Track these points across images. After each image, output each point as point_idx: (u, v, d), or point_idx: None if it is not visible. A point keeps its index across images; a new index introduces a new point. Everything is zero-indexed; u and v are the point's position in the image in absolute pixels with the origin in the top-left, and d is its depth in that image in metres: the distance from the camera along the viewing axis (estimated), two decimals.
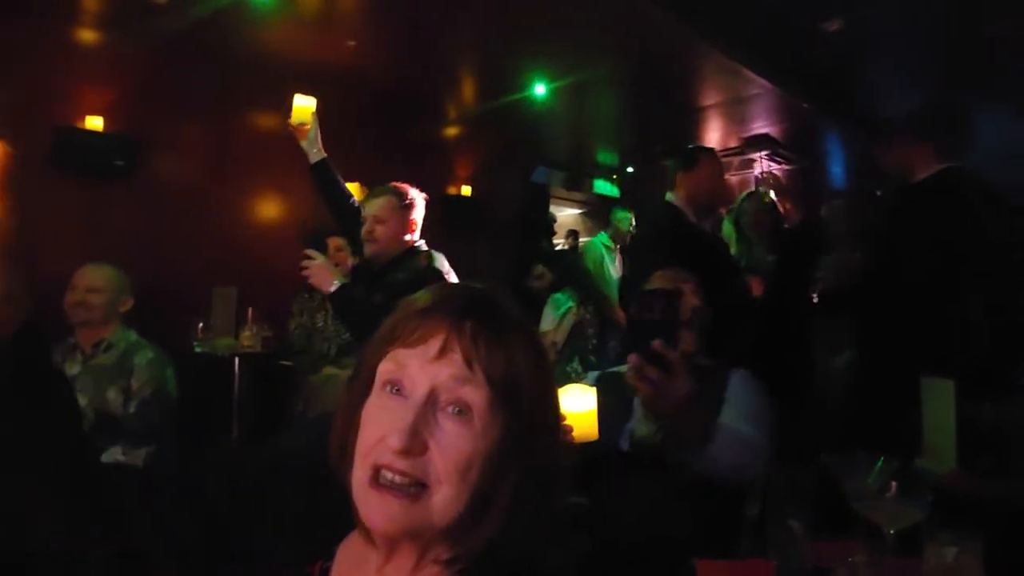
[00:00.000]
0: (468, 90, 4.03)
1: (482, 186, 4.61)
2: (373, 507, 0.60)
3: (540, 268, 3.83)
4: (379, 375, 0.63)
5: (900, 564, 1.01)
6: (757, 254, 2.81)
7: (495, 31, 2.98)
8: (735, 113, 4.25)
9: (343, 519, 0.66)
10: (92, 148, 2.89)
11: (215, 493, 0.79)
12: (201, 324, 2.99)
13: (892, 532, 1.03)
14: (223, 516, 0.76)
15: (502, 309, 0.66)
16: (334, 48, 3.20)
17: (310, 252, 2.07)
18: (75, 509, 0.74)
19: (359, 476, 0.60)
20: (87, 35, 2.98)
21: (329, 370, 3.05)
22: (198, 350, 2.93)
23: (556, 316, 3.09)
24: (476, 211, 4.49)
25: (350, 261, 2.87)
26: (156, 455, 2.31)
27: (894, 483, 1.04)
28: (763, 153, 4.84)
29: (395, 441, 0.58)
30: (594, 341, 3.12)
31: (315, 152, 2.35)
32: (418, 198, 2.28)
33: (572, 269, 3.29)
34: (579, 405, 1.32)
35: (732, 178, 5.34)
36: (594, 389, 1.35)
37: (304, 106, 2.34)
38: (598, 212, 6.05)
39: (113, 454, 2.25)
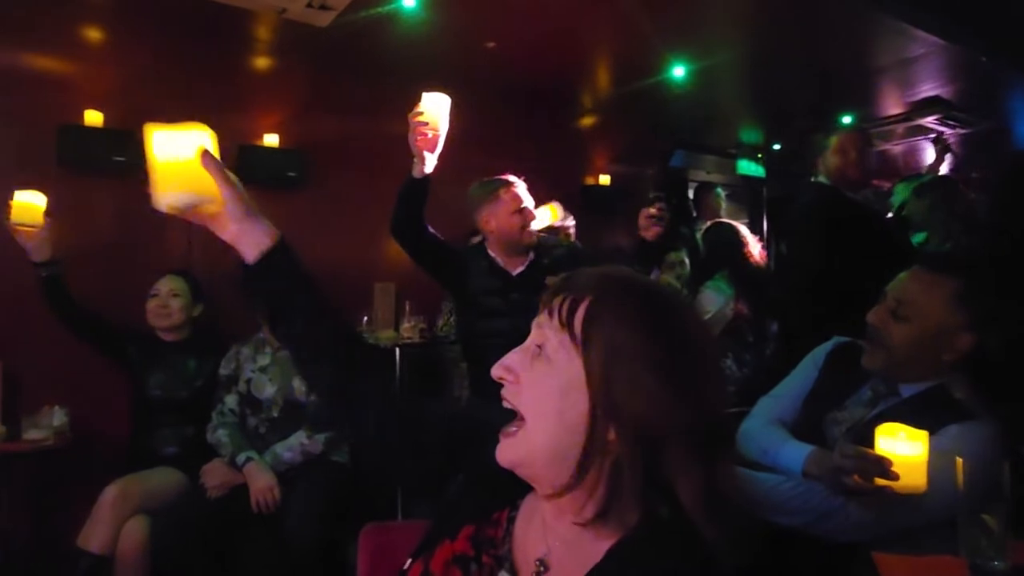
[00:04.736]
0: (604, 79, 4.02)
1: (620, 174, 4.58)
2: (498, 450, 0.75)
3: (675, 255, 3.70)
4: None
5: None
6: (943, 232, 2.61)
7: (633, 15, 2.93)
8: (899, 77, 3.88)
9: None
10: (270, 163, 3.25)
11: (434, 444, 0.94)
12: (366, 317, 3.27)
13: None
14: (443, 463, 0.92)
15: (597, 277, 0.75)
16: (474, 50, 3.33)
17: None
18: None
19: None
20: (262, 62, 3.33)
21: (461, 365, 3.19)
22: None
23: (715, 309, 2.88)
24: (614, 200, 4.47)
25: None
26: (335, 438, 2.56)
27: None
28: (933, 117, 4.37)
29: (493, 371, 0.76)
30: (750, 338, 2.92)
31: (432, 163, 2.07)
32: None
33: (726, 249, 3.01)
34: (905, 449, 1.15)
35: (895, 148, 4.90)
36: (925, 434, 1.16)
37: (434, 110, 1.96)
38: (742, 193, 5.78)
39: (299, 437, 2.52)
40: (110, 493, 2.27)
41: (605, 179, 4.54)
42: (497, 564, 0.77)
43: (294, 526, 2.33)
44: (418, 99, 1.98)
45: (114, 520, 2.23)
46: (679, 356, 0.69)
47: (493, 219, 2.36)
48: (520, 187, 2.40)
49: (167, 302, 2.64)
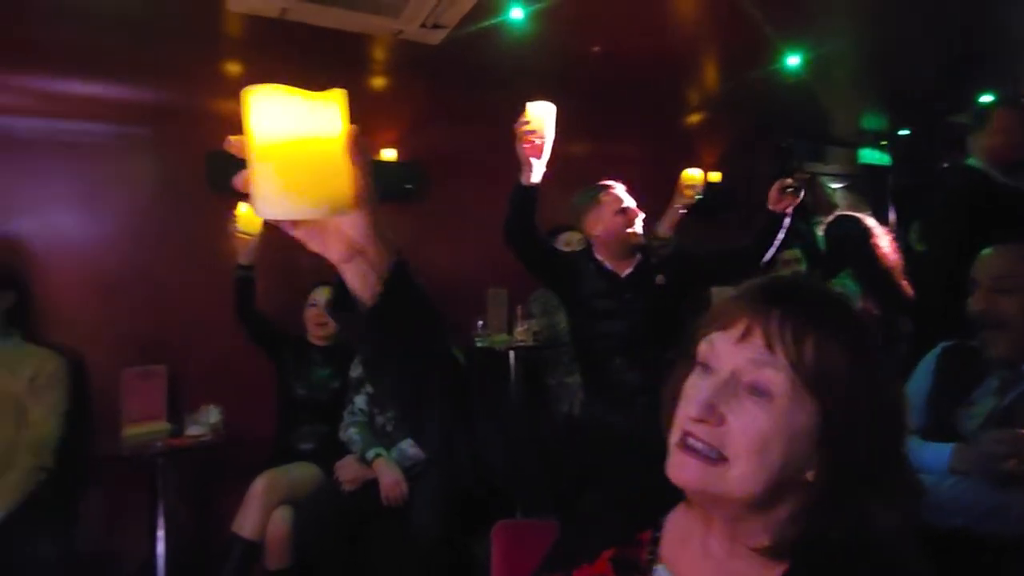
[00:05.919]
0: (711, 73, 3.92)
1: (732, 169, 4.45)
2: (675, 464, 0.66)
3: (790, 253, 3.54)
4: (697, 355, 0.70)
5: None
6: None
7: (743, 3, 2.85)
8: None
9: (669, 493, 0.72)
10: (388, 177, 3.43)
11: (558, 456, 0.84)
12: (481, 322, 3.38)
13: None
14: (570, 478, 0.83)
15: (814, 298, 0.68)
16: (580, 55, 3.36)
17: None
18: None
19: (673, 440, 0.68)
20: (378, 81, 3.53)
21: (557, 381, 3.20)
22: (479, 345, 3.31)
23: None
24: (725, 197, 4.34)
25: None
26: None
27: None
28: None
29: (692, 410, 0.65)
30: (881, 339, 2.73)
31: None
32: None
33: (851, 244, 2.83)
34: None
35: None
36: None
37: (540, 119, 2.04)
38: (865, 184, 5.43)
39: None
40: (259, 484, 2.48)
41: (715, 176, 4.42)
42: None
43: (419, 521, 2.46)
44: (525, 107, 2.05)
45: (263, 509, 2.44)
46: (898, 392, 0.68)
47: (599, 223, 2.40)
48: (619, 189, 2.44)
49: (324, 311, 2.86)
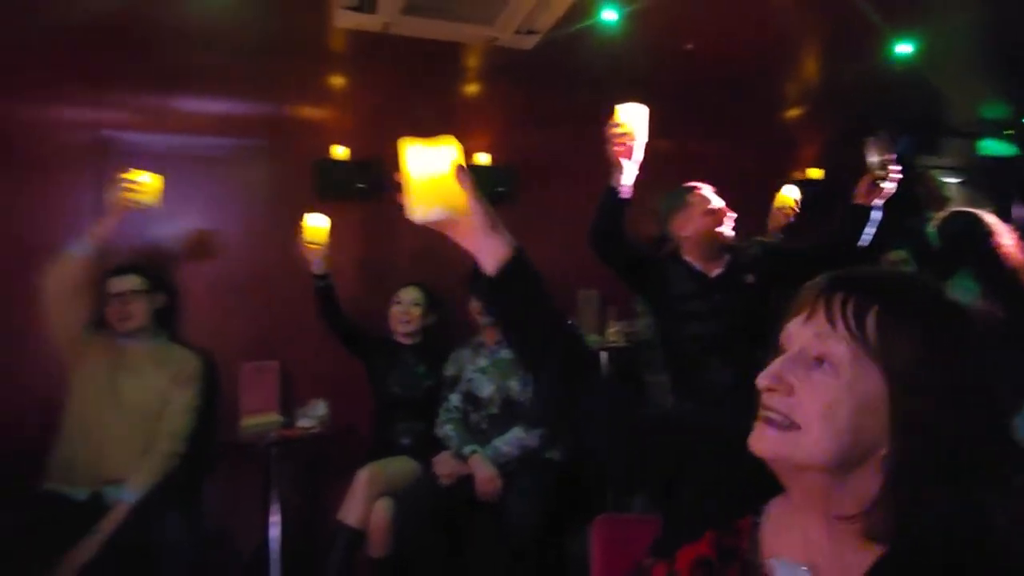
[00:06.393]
0: (811, 65, 3.76)
1: (835, 165, 4.25)
2: (755, 435, 0.72)
3: (896, 254, 3.35)
4: (779, 344, 0.75)
5: None
6: None
7: None
8: None
9: (765, 485, 0.76)
10: (482, 180, 3.48)
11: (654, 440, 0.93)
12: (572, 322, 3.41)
13: None
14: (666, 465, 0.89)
15: (883, 279, 0.72)
16: (673, 53, 3.32)
17: None
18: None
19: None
20: (472, 87, 3.63)
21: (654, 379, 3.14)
22: None
23: None
24: (826, 194, 4.15)
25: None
26: (547, 436, 2.71)
27: None
28: None
29: (760, 381, 0.72)
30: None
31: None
32: None
33: (969, 241, 2.64)
34: None
35: None
36: None
37: (631, 120, 2.09)
38: (986, 177, 5.03)
39: (516, 432, 2.70)
40: (363, 476, 2.61)
41: (816, 173, 4.23)
42: (743, 573, 0.74)
43: (513, 517, 2.51)
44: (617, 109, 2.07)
45: (367, 499, 2.56)
46: (981, 373, 0.67)
47: (688, 224, 2.38)
48: (706, 190, 2.42)
49: (408, 310, 2.99)
